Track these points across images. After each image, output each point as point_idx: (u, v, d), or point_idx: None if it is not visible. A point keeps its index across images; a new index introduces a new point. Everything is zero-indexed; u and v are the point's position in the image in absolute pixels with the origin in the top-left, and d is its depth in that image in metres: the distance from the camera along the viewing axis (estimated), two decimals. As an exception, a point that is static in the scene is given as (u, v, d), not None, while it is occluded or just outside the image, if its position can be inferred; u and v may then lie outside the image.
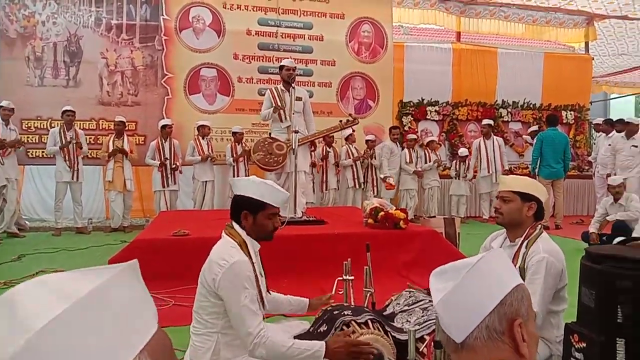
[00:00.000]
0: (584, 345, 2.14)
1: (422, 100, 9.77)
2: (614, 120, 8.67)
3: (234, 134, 7.92)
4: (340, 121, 5.97)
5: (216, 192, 7.93)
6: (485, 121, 9.08)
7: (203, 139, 7.79)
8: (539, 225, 2.40)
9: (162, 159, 7.52)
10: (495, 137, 8.98)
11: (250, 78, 8.50)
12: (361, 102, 9.11)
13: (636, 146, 7.87)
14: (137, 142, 8.00)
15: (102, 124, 8.07)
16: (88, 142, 7.64)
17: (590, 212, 8.58)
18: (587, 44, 10.91)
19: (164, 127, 7.62)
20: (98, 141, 7.85)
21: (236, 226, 2.17)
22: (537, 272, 2.24)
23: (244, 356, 2.04)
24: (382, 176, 7.87)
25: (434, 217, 7.04)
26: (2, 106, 6.96)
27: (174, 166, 7.56)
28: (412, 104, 9.73)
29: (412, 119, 9.67)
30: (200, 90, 8.37)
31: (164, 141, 7.61)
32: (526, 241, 2.35)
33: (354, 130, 8.02)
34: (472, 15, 9.80)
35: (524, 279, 2.29)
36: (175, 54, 8.28)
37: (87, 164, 7.60)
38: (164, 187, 7.55)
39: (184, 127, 8.12)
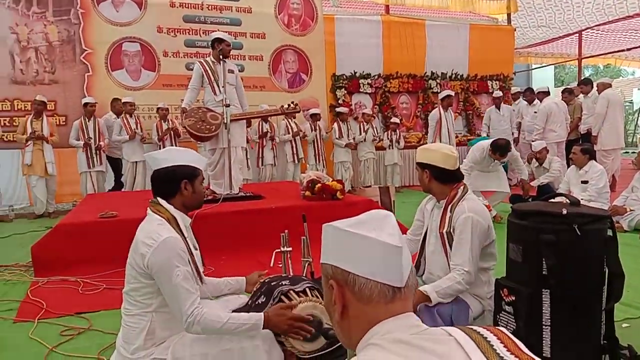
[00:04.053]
0: (513, 298, 2.23)
1: (355, 73, 9.79)
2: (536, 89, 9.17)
3: (159, 110, 7.60)
4: (282, 106, 5.79)
5: (148, 172, 7.62)
6: (445, 92, 8.21)
7: (130, 116, 7.42)
8: (461, 187, 2.45)
9: (86, 139, 7.12)
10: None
11: (176, 52, 8.15)
12: (294, 76, 9.01)
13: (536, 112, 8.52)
14: (58, 122, 7.50)
15: (17, 105, 7.48)
16: (3, 124, 7.08)
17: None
18: (509, 15, 11.32)
19: (86, 105, 7.19)
20: (14, 123, 7.29)
21: (162, 202, 2.07)
22: (464, 231, 2.30)
23: (181, 334, 1.97)
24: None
25: (370, 186, 7.15)
26: None
27: (97, 146, 7.17)
28: (344, 77, 9.74)
29: (345, 92, 9.69)
30: (124, 66, 7.94)
31: (87, 120, 7.19)
32: (450, 205, 2.41)
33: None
34: (400, -14, 9.87)
35: (451, 243, 2.36)
36: (94, 28, 7.77)
37: (4, 148, 7.05)
38: (89, 168, 7.16)
39: (109, 105, 7.69)
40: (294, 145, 8.38)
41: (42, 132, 6.90)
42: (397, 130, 9.19)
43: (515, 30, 11.60)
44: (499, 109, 9.03)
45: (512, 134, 8.91)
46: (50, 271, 3.88)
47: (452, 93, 8.33)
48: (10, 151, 7.24)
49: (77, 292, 3.59)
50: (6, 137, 7.14)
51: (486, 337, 0.75)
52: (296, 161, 8.42)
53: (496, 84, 11.00)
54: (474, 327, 0.79)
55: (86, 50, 7.73)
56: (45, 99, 7.08)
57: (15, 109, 7.47)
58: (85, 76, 7.74)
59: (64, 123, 7.56)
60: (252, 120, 7.49)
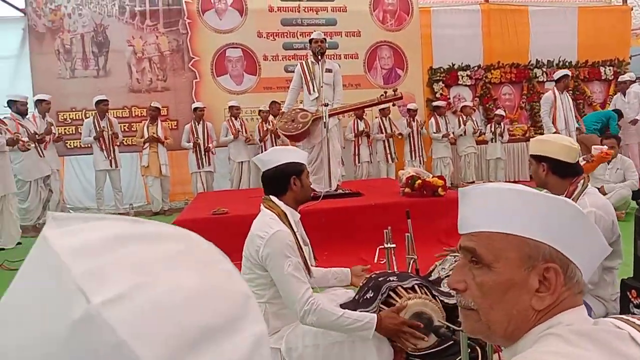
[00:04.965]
0: (643, 300, 2.06)
1: (453, 65, 9.50)
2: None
3: (260, 112, 7.91)
4: (381, 95, 5.61)
5: (252, 172, 7.96)
6: (562, 72, 7.33)
7: (236, 119, 7.81)
8: (581, 181, 2.29)
9: (196, 141, 7.60)
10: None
11: (275, 55, 8.43)
12: (389, 72, 8.94)
13: None
14: (170, 126, 8.08)
15: (135, 111, 8.18)
16: (122, 129, 7.77)
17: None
18: (625, -7, 10.36)
19: (195, 109, 7.68)
20: (132, 128, 7.99)
21: (274, 198, 2.18)
22: None
23: (293, 324, 2.05)
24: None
25: (473, 182, 6.90)
26: (43, 100, 7.03)
27: (205, 148, 7.62)
28: (442, 70, 9.48)
29: (443, 85, 9.43)
30: (227, 72, 8.36)
31: (197, 124, 7.68)
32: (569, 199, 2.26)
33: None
34: (500, -27, 9.41)
35: None
36: (200, 37, 8.27)
37: (124, 151, 7.74)
38: (199, 168, 7.65)
39: (215, 109, 8.15)
40: (387, 145, 8.32)
41: (157, 135, 7.49)
42: (502, 123, 8.78)
43: (632, 9, 10.58)
44: (624, 95, 8.29)
45: None
46: (169, 264, 4.19)
47: (569, 73, 7.45)
48: (129, 154, 7.94)
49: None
50: (126, 142, 7.83)
51: None
52: (389, 161, 8.35)
53: (610, 69, 10.13)
54: (629, 317, 0.74)
55: (193, 58, 8.25)
56: (159, 105, 7.68)
57: (133, 115, 8.18)
58: (193, 82, 8.26)
59: (176, 127, 8.13)
60: (345, 118, 7.55)
